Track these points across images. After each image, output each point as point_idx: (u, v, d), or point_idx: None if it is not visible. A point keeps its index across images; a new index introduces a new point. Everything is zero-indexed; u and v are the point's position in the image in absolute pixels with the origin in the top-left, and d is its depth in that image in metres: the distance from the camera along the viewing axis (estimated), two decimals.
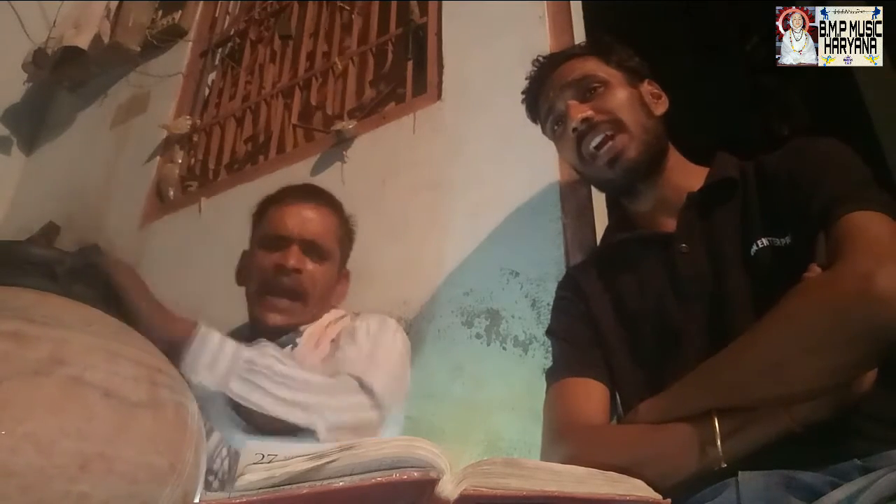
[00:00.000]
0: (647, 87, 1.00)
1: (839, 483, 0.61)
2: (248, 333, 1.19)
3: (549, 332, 1.00)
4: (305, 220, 1.16)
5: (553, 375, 0.90)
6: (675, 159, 0.97)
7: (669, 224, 0.92)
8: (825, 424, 0.65)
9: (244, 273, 1.21)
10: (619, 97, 0.94)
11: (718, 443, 0.66)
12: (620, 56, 0.99)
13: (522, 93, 1.05)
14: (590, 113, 0.92)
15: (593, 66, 0.97)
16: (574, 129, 0.92)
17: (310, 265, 1.14)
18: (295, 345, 1.12)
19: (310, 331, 1.14)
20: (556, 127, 0.98)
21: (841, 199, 0.75)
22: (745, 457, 0.66)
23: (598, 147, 0.92)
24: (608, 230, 1.07)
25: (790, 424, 0.65)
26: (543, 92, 1.00)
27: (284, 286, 1.11)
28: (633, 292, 0.90)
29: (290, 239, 1.14)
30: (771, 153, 0.90)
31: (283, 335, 1.13)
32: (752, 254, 0.82)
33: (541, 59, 1.04)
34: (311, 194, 1.22)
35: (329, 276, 1.18)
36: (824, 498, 0.59)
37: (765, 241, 0.82)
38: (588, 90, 0.94)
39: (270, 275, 1.12)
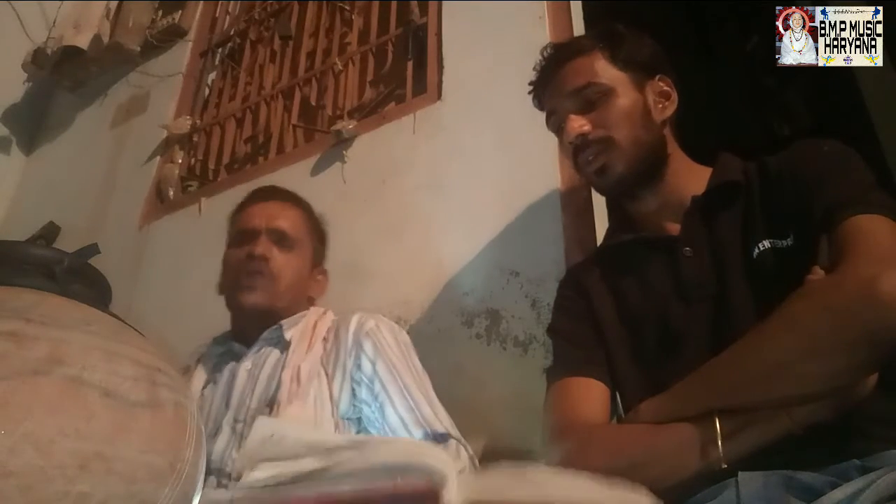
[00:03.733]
0: (657, 85, 0.97)
1: (839, 483, 0.61)
2: (232, 335, 1.21)
3: (549, 331, 0.99)
4: (270, 212, 1.21)
5: (553, 374, 0.90)
6: (678, 163, 0.96)
7: (672, 226, 0.92)
8: (825, 425, 0.65)
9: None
10: (620, 108, 0.92)
11: (719, 444, 0.66)
12: (630, 51, 0.96)
13: (529, 83, 1.04)
14: (586, 128, 0.92)
15: (598, 69, 0.94)
16: (570, 143, 0.93)
17: (277, 253, 1.17)
18: (285, 345, 1.13)
19: (300, 331, 1.14)
20: (557, 130, 0.98)
21: (844, 202, 0.74)
22: (746, 457, 0.66)
23: (590, 161, 0.93)
24: (610, 230, 1.07)
25: (791, 426, 0.66)
26: (547, 92, 0.99)
27: (254, 271, 1.15)
28: (636, 294, 0.90)
29: (257, 231, 1.18)
30: (774, 154, 0.90)
31: (265, 329, 1.15)
32: (755, 256, 0.82)
33: (549, 49, 1.02)
34: (276, 193, 1.27)
35: (299, 265, 1.21)
36: (823, 498, 0.59)
37: (766, 243, 0.82)
38: (589, 101, 0.93)
39: (241, 264, 1.16)
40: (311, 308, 1.21)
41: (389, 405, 1.05)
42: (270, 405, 1.05)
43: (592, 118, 0.92)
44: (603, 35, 0.98)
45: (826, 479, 0.62)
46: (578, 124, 0.92)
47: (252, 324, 1.16)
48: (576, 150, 0.94)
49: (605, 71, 0.94)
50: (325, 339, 1.14)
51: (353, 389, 1.08)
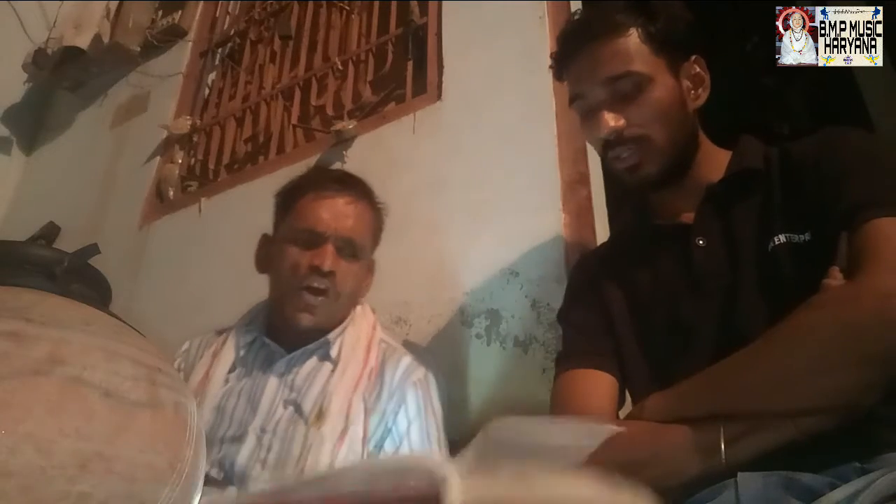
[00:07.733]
0: (692, 68, 0.91)
1: (838, 484, 0.60)
2: (265, 329, 1.15)
3: (559, 317, 0.98)
4: (341, 215, 1.11)
5: (562, 364, 0.89)
6: (703, 152, 0.92)
7: (688, 214, 0.89)
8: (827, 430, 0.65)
9: (267, 260, 1.17)
10: (657, 102, 0.86)
11: (722, 448, 0.66)
12: (665, 27, 0.88)
13: (551, 56, 0.96)
14: (622, 123, 0.86)
15: (635, 54, 0.86)
16: (602, 138, 0.88)
17: (343, 264, 1.10)
18: (330, 359, 1.09)
19: (349, 347, 1.09)
20: (583, 114, 0.92)
21: (868, 201, 0.72)
22: (748, 462, 0.66)
23: (621, 158, 0.88)
24: (627, 215, 1.03)
25: (795, 434, 0.65)
26: (574, 69, 0.91)
27: (317, 287, 1.08)
28: (647, 284, 0.89)
29: (325, 236, 1.09)
30: (799, 140, 0.86)
31: (311, 341, 1.10)
32: (770, 250, 0.79)
33: (578, 17, 0.95)
34: (347, 185, 1.16)
35: (360, 274, 1.15)
36: (822, 498, 0.59)
37: (783, 237, 0.79)
38: (624, 92, 0.86)
39: (304, 274, 1.08)
40: (357, 310, 1.16)
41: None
42: (307, 423, 1.00)
43: (628, 112, 0.86)
44: (637, 8, 0.89)
45: (825, 481, 0.62)
46: (613, 120, 0.86)
47: (297, 336, 1.10)
48: (606, 144, 0.89)
49: (642, 56, 0.87)
50: (371, 372, 1.08)
51: (383, 434, 1.04)
